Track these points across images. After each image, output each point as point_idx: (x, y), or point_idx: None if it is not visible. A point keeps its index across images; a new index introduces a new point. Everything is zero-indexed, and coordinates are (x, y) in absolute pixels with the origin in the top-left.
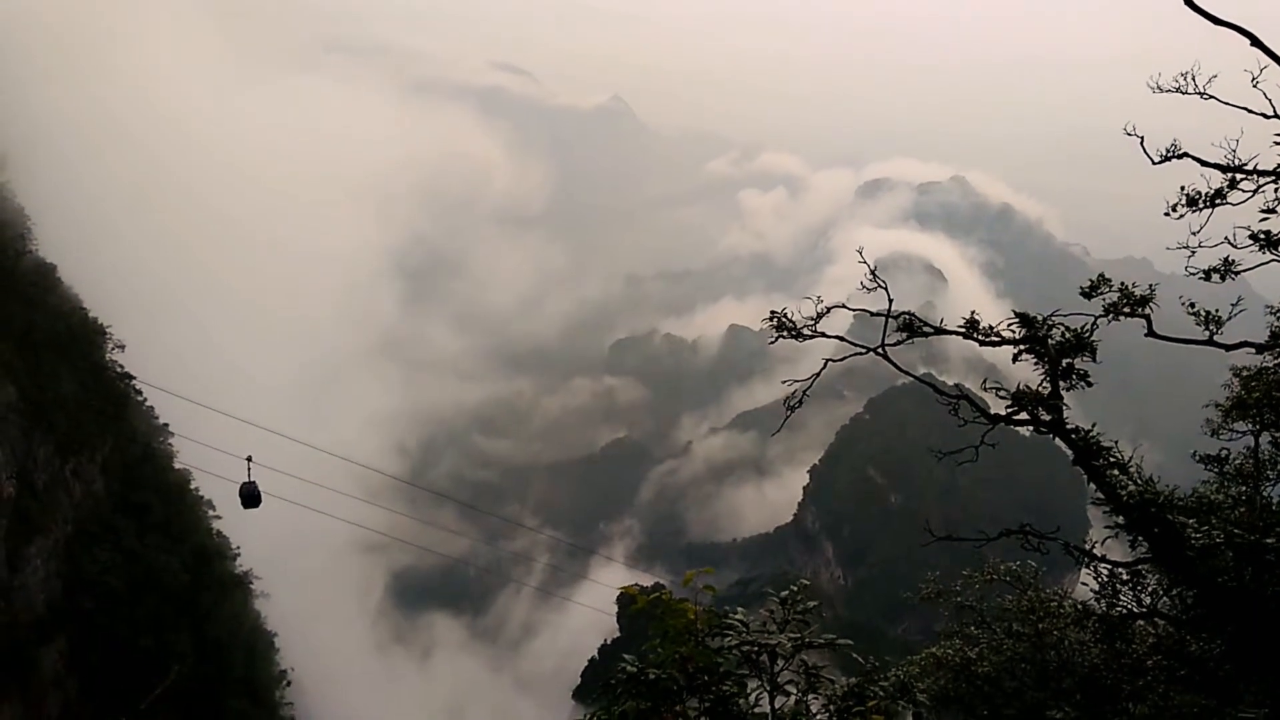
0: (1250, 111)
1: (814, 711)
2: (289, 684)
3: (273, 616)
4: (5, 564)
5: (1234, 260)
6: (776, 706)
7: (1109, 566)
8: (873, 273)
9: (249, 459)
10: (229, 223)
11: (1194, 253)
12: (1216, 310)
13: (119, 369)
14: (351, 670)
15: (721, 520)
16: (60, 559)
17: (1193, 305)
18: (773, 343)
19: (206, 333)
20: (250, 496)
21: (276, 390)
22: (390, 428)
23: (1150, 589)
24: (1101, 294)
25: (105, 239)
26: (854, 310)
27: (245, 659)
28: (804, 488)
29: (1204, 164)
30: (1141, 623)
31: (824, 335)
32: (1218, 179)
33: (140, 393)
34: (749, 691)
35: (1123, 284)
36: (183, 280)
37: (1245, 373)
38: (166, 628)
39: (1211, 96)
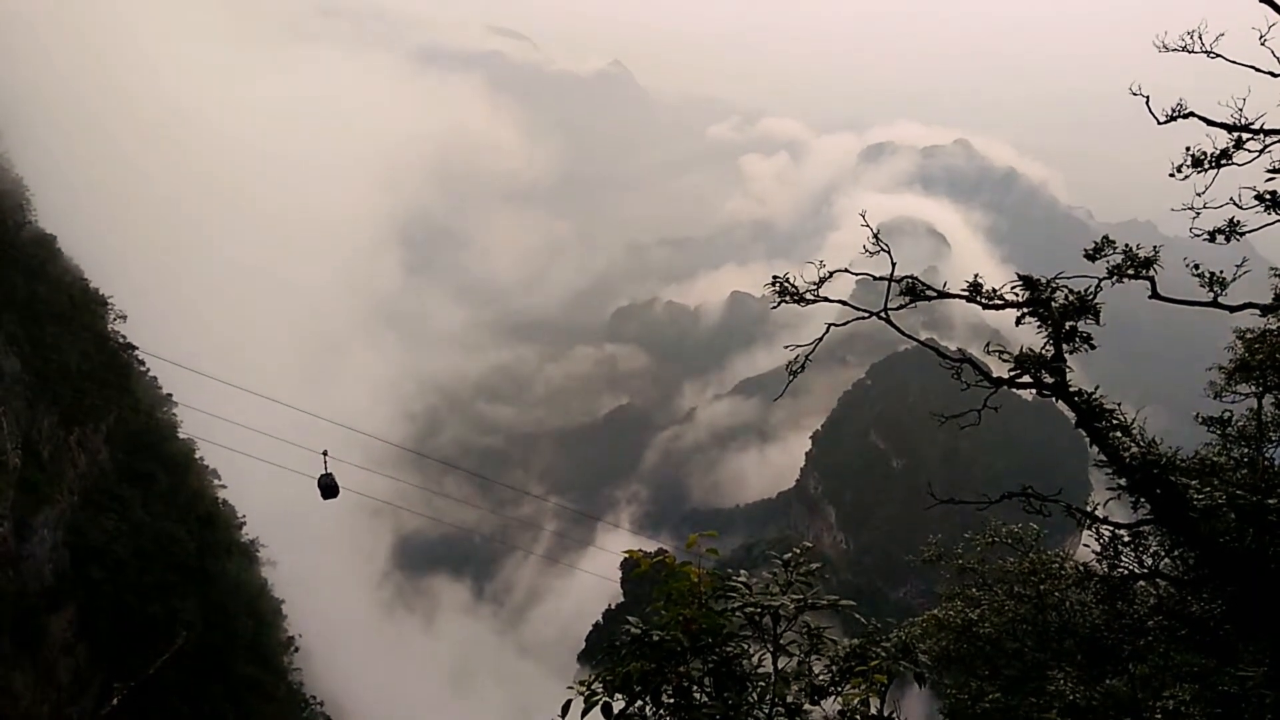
0: (1258, 70)
1: (816, 672)
2: (296, 649)
3: (279, 583)
4: (13, 534)
5: (1239, 221)
6: (779, 667)
7: (1111, 528)
8: (875, 237)
9: (325, 453)
10: (229, 192)
11: (1198, 214)
12: (1221, 272)
13: (121, 339)
14: (357, 635)
15: (725, 486)
16: (67, 529)
17: (1197, 267)
18: (775, 308)
19: (208, 301)
20: (329, 488)
21: (280, 358)
22: (395, 395)
23: (1152, 550)
24: (1105, 256)
25: (104, 210)
26: (857, 275)
27: (253, 625)
28: (806, 453)
29: (1210, 123)
30: (1143, 584)
31: (826, 300)
32: (1223, 139)
33: (143, 363)
34: (752, 653)
35: (1127, 246)
36: (184, 250)
37: (1249, 335)
38: (174, 595)
39: (1218, 55)
